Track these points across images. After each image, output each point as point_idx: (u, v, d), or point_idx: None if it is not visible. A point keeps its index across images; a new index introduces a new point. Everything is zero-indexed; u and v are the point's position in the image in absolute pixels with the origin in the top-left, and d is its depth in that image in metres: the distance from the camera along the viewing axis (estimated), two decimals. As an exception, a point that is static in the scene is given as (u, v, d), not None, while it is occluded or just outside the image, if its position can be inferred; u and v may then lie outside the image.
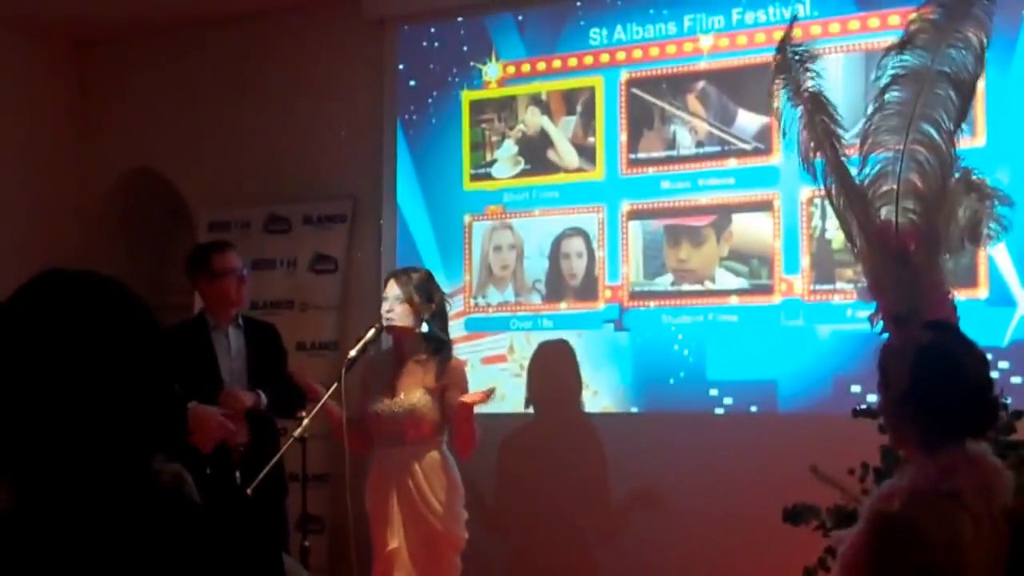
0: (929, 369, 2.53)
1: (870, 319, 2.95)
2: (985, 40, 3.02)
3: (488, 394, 4.70)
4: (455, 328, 5.81)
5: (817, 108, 3.12)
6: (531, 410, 5.86)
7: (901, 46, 3.05)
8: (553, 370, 5.87)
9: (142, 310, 1.53)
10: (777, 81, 3.22)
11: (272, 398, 5.07)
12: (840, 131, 3.12)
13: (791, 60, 3.19)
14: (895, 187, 3.00)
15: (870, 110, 3.09)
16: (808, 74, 3.16)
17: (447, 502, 4.78)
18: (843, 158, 3.09)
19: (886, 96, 3.06)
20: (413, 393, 4.78)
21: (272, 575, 1.54)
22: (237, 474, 4.74)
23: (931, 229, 2.99)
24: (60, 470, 1.46)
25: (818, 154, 3.11)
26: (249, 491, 4.46)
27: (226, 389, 5.02)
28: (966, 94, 3.02)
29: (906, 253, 2.96)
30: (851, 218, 3.08)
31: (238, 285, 5.15)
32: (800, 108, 3.13)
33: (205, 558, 1.47)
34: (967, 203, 3.08)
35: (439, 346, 4.86)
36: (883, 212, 3.04)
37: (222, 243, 5.41)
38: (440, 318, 4.91)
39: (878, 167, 3.06)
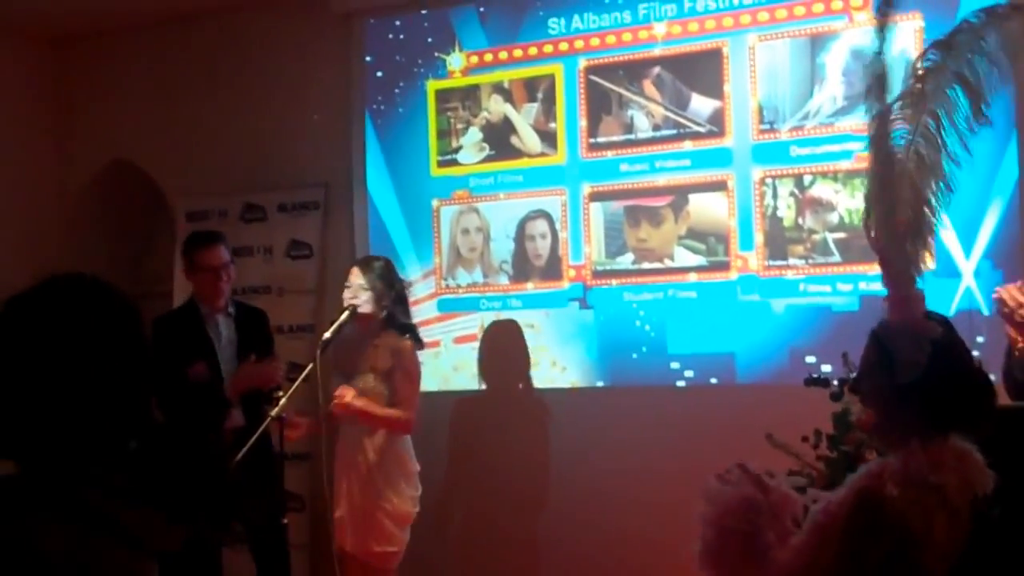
0: (945, 365, 2.54)
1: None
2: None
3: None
4: (428, 309, 6.06)
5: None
6: (484, 386, 6.05)
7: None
8: (503, 348, 6.01)
9: (126, 309, 1.79)
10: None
11: None
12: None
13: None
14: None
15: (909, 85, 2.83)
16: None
17: (393, 478, 4.97)
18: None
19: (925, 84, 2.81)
20: (365, 376, 4.97)
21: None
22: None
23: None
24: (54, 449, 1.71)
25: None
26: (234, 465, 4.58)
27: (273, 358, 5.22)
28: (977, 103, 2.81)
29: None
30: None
31: (215, 281, 5.13)
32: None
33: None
34: None
35: (403, 331, 5.02)
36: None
37: (208, 237, 5.29)
38: (401, 304, 5.06)
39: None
